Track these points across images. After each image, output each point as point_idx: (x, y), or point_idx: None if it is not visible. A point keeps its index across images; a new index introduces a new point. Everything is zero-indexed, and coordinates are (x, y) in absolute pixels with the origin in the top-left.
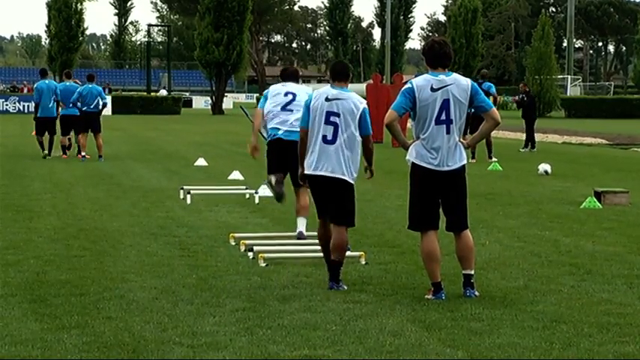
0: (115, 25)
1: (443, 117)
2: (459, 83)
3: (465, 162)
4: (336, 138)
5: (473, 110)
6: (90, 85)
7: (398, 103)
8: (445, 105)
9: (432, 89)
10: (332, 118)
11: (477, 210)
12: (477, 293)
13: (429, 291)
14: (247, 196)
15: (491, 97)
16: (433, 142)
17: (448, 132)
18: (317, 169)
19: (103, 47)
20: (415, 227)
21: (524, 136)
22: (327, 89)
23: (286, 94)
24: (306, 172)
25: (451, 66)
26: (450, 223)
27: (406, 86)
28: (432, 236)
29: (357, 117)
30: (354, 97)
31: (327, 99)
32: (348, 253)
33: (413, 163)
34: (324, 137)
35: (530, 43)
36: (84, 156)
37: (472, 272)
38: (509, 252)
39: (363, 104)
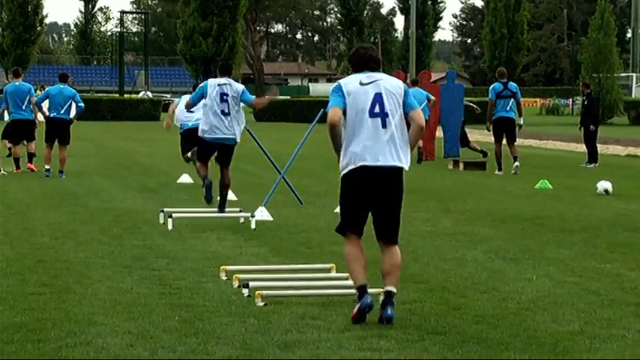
0: (81, 12)
1: (377, 110)
2: (389, 79)
3: (405, 165)
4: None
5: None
6: (61, 86)
7: (333, 101)
8: (378, 98)
9: (361, 83)
10: None
11: (522, 237)
12: (394, 314)
13: (355, 302)
14: (242, 220)
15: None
16: (367, 138)
17: (384, 126)
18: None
19: (65, 39)
20: (342, 230)
21: (583, 148)
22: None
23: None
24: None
25: (490, 61)
26: (380, 233)
27: (333, 85)
28: (355, 241)
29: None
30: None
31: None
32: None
33: (346, 168)
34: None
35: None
36: (48, 170)
37: (394, 290)
38: (562, 289)
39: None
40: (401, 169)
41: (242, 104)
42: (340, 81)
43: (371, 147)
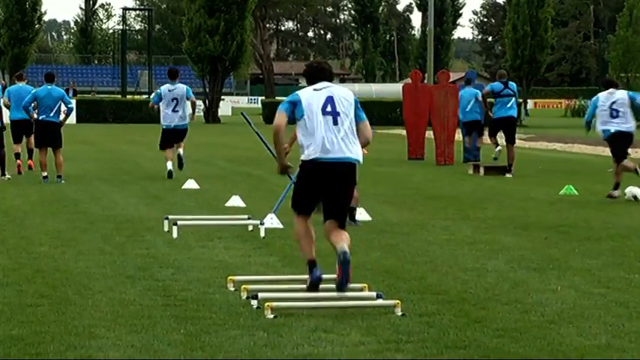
0: (81, 9)
1: (328, 109)
2: (341, 88)
3: (357, 159)
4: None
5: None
6: (49, 87)
7: (283, 107)
8: (329, 100)
9: (315, 90)
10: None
11: (547, 246)
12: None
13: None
14: (250, 228)
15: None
16: (319, 134)
17: (335, 123)
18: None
19: (65, 37)
20: (295, 208)
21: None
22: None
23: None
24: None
25: (512, 60)
26: (329, 214)
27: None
28: (305, 219)
29: None
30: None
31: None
32: (379, 301)
33: (304, 160)
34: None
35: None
36: (46, 177)
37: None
38: (588, 300)
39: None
40: (353, 163)
41: None
42: (297, 92)
43: (324, 142)
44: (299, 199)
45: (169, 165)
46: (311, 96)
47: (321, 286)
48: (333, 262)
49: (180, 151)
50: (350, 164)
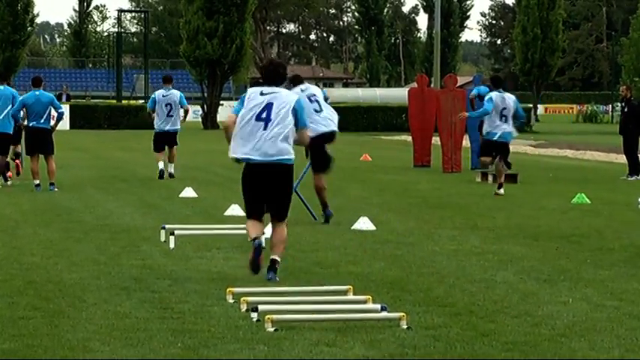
0: (75, 11)
1: (263, 115)
2: (287, 94)
3: (288, 158)
4: None
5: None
6: (37, 92)
7: (235, 108)
8: (268, 107)
9: (262, 94)
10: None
11: (558, 257)
12: (277, 278)
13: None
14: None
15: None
16: (249, 136)
17: (265, 128)
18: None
19: (58, 40)
20: (248, 215)
21: (624, 159)
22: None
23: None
24: None
25: (522, 63)
26: (271, 213)
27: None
28: (256, 223)
29: None
30: None
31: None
32: (384, 314)
33: (237, 159)
34: None
35: (627, 33)
36: (38, 185)
37: (278, 259)
38: (600, 313)
39: None
40: (283, 163)
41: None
42: (249, 90)
43: (253, 143)
44: (245, 201)
45: (161, 164)
46: (255, 99)
47: (324, 297)
48: (335, 273)
49: (171, 170)
50: (277, 163)
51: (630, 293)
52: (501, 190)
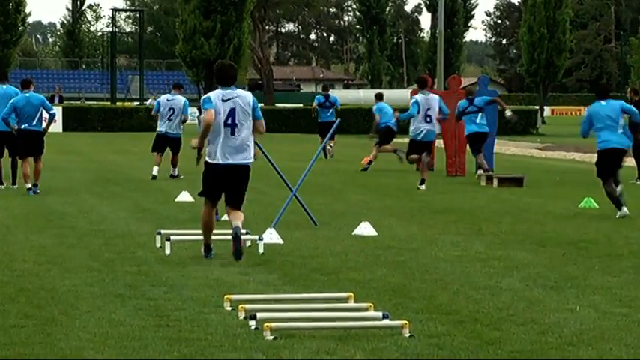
0: (68, 10)
1: (229, 122)
2: (243, 96)
3: (249, 161)
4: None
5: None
6: (27, 94)
7: (208, 105)
8: (232, 112)
9: (222, 100)
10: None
11: (565, 263)
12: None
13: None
14: (248, 243)
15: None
16: (220, 142)
17: (232, 134)
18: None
19: (51, 40)
20: (205, 195)
21: (633, 163)
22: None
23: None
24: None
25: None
26: (229, 202)
27: (204, 97)
28: (210, 209)
29: None
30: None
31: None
32: (385, 321)
33: (206, 162)
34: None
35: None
36: (30, 189)
37: (239, 225)
38: (609, 321)
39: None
40: (247, 165)
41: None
42: (209, 94)
43: (223, 149)
44: (205, 191)
45: (155, 170)
46: (219, 105)
47: (324, 305)
48: (336, 280)
49: (174, 172)
50: (242, 166)
51: (639, 300)
52: (423, 187)
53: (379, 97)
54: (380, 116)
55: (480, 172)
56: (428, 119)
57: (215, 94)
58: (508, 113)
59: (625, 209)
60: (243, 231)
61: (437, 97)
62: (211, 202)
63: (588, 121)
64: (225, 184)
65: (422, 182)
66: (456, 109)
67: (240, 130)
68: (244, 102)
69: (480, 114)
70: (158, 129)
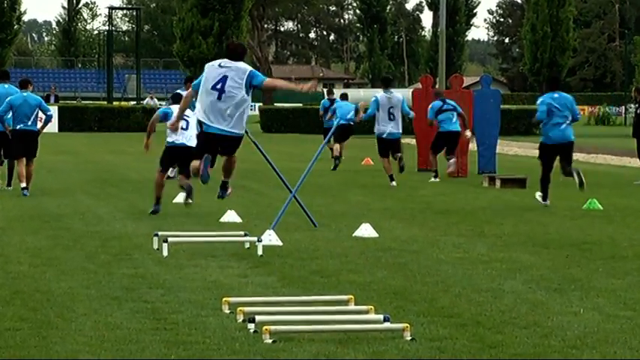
0: (64, 8)
1: (218, 86)
2: (240, 68)
3: (237, 133)
4: None
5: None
6: (25, 94)
7: (196, 82)
8: (222, 79)
9: (220, 66)
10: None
11: (568, 265)
12: (224, 194)
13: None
14: (247, 245)
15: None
16: (203, 105)
17: (219, 99)
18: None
19: (47, 39)
20: (197, 150)
21: (638, 163)
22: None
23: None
24: None
25: (531, 63)
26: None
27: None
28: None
29: None
30: None
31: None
32: (386, 324)
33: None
34: None
35: None
36: (24, 188)
37: (228, 180)
38: (613, 324)
39: None
40: (232, 135)
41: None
42: (208, 63)
43: (210, 112)
44: (199, 149)
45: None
46: (212, 71)
47: (324, 307)
48: (336, 282)
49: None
50: (228, 135)
51: None
52: (393, 183)
53: (344, 97)
54: (336, 115)
55: (443, 170)
56: (391, 117)
57: (215, 61)
58: (468, 134)
59: (548, 202)
60: (241, 232)
61: (401, 97)
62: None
63: (547, 110)
64: (213, 147)
65: (391, 178)
66: (430, 111)
67: (227, 99)
68: (239, 72)
69: (455, 113)
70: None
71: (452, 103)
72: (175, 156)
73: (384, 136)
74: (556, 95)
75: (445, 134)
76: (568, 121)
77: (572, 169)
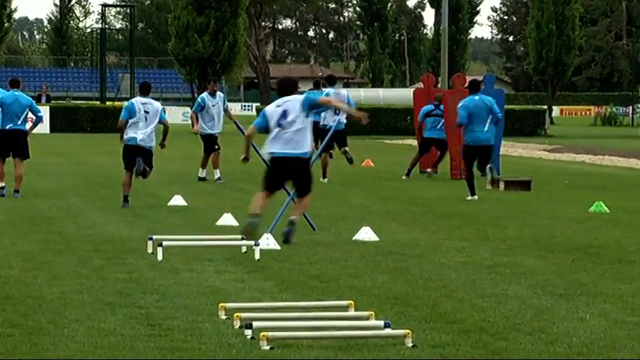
0: (56, 5)
1: (282, 121)
2: (295, 100)
3: (306, 151)
4: None
5: None
6: (16, 93)
7: (257, 121)
8: (284, 113)
9: (277, 106)
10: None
11: (574, 270)
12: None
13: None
14: (244, 249)
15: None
16: (274, 137)
17: (285, 132)
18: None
19: (38, 37)
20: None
21: None
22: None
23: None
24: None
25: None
26: (295, 188)
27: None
28: (267, 195)
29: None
30: None
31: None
32: (387, 331)
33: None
34: None
35: None
36: (2, 187)
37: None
38: (620, 330)
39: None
40: (305, 155)
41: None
42: (266, 109)
43: (277, 142)
44: (265, 180)
45: (203, 173)
46: (273, 112)
47: (323, 313)
48: (335, 287)
49: (217, 174)
50: (300, 158)
51: None
52: (325, 180)
53: (316, 85)
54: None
55: (429, 170)
56: (337, 111)
57: (271, 105)
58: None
59: (476, 197)
60: (238, 236)
61: (345, 92)
62: (270, 191)
63: (467, 114)
64: (286, 174)
65: (324, 175)
66: (420, 113)
67: (291, 128)
68: (295, 102)
69: (442, 120)
70: (202, 130)
71: (441, 111)
72: (135, 153)
73: (329, 127)
74: (477, 98)
75: (428, 140)
76: (488, 125)
77: (486, 168)
